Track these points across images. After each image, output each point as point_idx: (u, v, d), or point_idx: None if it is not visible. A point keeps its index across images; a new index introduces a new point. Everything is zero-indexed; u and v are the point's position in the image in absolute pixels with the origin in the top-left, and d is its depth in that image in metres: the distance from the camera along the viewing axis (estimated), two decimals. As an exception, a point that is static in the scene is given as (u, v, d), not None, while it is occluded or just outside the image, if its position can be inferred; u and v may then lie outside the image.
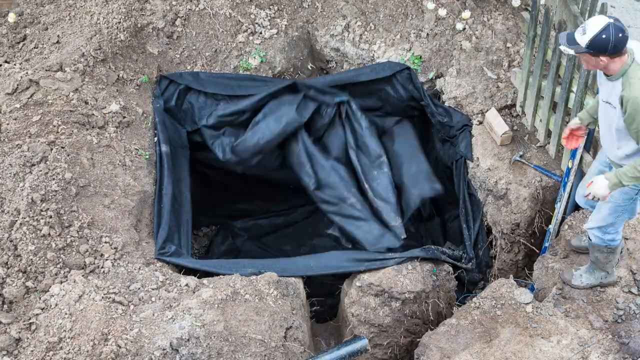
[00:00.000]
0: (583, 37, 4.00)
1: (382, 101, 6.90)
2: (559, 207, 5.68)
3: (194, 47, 6.51)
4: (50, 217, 4.94)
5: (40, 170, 5.13)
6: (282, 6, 6.80)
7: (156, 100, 6.24)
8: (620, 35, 3.94)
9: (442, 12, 6.63)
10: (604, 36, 3.94)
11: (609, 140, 4.32)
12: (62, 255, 4.88)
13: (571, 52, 4.08)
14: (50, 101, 5.66)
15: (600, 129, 4.39)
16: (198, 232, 7.47)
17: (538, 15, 5.64)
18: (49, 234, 4.91)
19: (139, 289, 4.80)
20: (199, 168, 6.79)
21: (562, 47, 4.13)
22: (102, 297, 4.63)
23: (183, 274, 5.15)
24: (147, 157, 5.83)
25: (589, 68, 4.21)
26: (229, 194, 7.34)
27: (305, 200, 7.51)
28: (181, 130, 6.36)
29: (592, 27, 3.97)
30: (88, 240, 4.99)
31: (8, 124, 5.53)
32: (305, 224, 7.70)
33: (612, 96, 4.12)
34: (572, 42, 4.05)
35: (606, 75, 4.13)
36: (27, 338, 4.51)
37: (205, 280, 5.05)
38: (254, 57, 6.58)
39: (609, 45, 3.94)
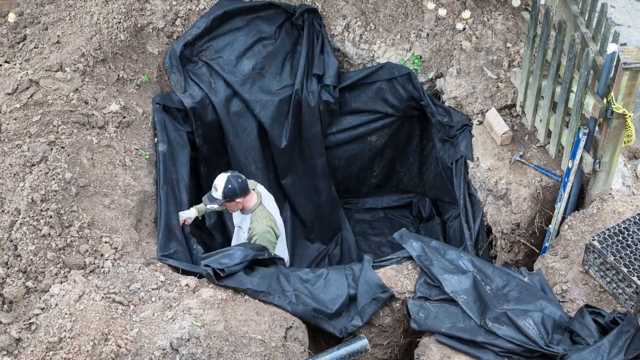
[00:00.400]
0: (217, 193, 5.39)
1: (382, 101, 6.92)
2: (559, 207, 5.68)
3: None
4: (51, 217, 4.94)
5: (40, 170, 5.13)
6: (282, 6, 6.81)
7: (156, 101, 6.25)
8: (240, 180, 5.37)
9: (442, 12, 6.63)
10: (229, 186, 5.34)
11: None
12: (62, 255, 4.88)
13: (215, 207, 5.48)
14: (50, 101, 5.66)
15: (233, 241, 5.93)
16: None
17: (538, 15, 5.64)
18: (49, 234, 4.91)
19: (139, 289, 4.80)
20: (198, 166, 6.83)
21: (208, 206, 5.52)
22: (102, 297, 4.63)
23: (183, 274, 5.15)
24: (147, 157, 5.83)
25: (232, 210, 5.57)
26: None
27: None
28: (181, 130, 6.36)
29: (219, 184, 5.38)
30: (88, 240, 4.99)
31: (8, 124, 5.53)
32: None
33: (243, 224, 5.59)
34: (212, 200, 5.44)
35: (241, 210, 5.57)
36: (27, 338, 4.51)
37: (205, 280, 5.04)
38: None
39: (237, 190, 5.35)
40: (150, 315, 4.58)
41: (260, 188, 5.73)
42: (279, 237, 5.61)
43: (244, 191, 5.40)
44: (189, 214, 5.75)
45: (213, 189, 5.42)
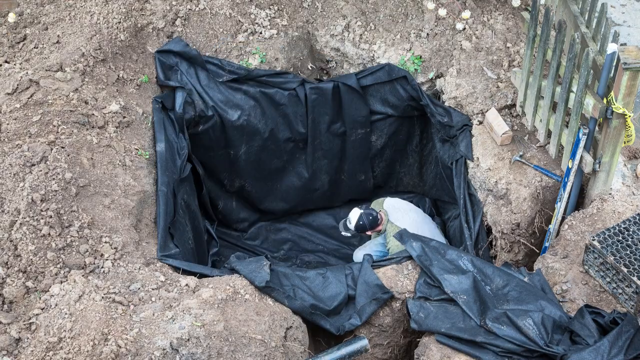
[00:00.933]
0: (350, 225, 6.34)
1: (381, 101, 6.92)
2: (559, 207, 5.68)
3: (193, 47, 6.50)
4: (50, 217, 4.94)
5: (40, 170, 5.13)
6: (282, 6, 6.80)
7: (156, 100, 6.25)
8: (371, 217, 6.29)
9: (442, 12, 6.63)
10: (361, 223, 6.29)
11: None
12: (62, 255, 4.88)
13: (349, 234, 6.50)
14: (50, 101, 5.66)
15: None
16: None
17: (538, 15, 5.64)
18: (49, 234, 4.91)
19: (139, 289, 4.80)
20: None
21: (342, 233, 6.51)
22: (102, 297, 4.63)
23: (183, 274, 5.15)
24: (147, 157, 5.83)
25: (366, 236, 6.60)
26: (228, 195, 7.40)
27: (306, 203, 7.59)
28: (180, 129, 6.36)
29: (352, 219, 6.34)
30: (88, 240, 4.99)
31: (8, 124, 5.53)
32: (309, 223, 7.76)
33: (379, 235, 6.50)
34: (346, 229, 6.42)
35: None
36: (27, 338, 4.51)
37: (205, 281, 5.05)
38: (254, 57, 6.58)
39: (367, 226, 6.30)
40: (150, 315, 4.58)
41: (388, 203, 6.48)
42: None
43: (374, 226, 6.33)
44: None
45: (347, 220, 6.40)
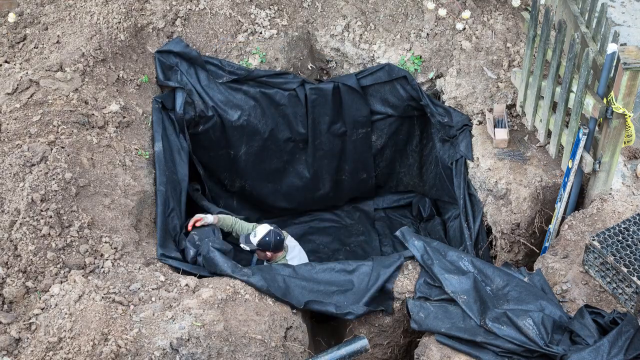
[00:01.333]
0: (254, 239, 5.76)
1: (382, 102, 6.92)
2: (559, 207, 5.68)
3: (194, 47, 6.50)
4: (50, 217, 4.94)
5: (40, 170, 5.13)
6: (282, 6, 6.80)
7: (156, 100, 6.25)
8: (278, 238, 5.77)
9: (442, 12, 6.63)
10: (267, 239, 5.73)
11: None
12: (62, 255, 4.88)
13: (247, 248, 5.78)
14: (50, 101, 5.66)
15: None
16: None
17: (538, 15, 5.64)
18: (49, 234, 4.91)
19: (139, 289, 4.80)
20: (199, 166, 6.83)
21: (242, 245, 5.80)
22: (102, 297, 4.63)
23: (183, 274, 5.15)
24: (147, 157, 5.83)
25: (259, 257, 5.93)
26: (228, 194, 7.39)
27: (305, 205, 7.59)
28: (180, 129, 6.37)
29: (259, 232, 5.76)
30: (88, 240, 4.99)
31: (8, 124, 5.53)
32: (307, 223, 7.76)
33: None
34: (247, 241, 5.79)
35: (266, 260, 5.92)
36: (27, 338, 4.51)
37: (205, 281, 5.05)
38: (254, 57, 6.58)
39: (271, 245, 5.75)
40: (150, 315, 4.58)
41: (289, 241, 6.08)
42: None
43: (277, 249, 5.83)
44: (206, 220, 5.80)
45: (252, 232, 5.83)
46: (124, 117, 5.87)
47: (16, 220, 4.95)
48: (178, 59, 6.39)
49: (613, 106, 5.00)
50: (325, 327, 6.19)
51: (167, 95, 6.37)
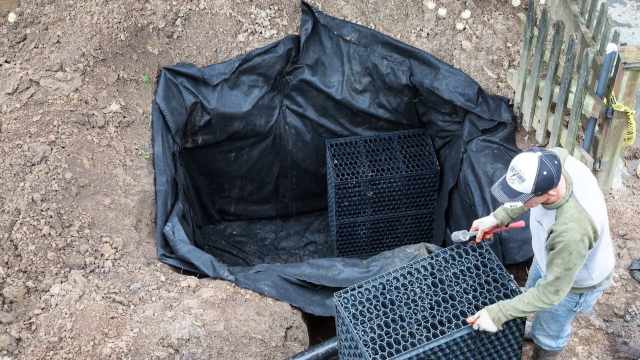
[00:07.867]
0: (523, 184, 3.52)
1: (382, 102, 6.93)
2: (559, 207, 5.66)
3: (194, 47, 6.51)
4: (51, 217, 4.95)
5: (41, 170, 5.13)
6: (282, 6, 6.80)
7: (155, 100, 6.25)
8: (557, 162, 3.53)
9: (442, 12, 6.63)
10: (545, 173, 3.49)
11: (539, 255, 4.00)
12: (62, 255, 4.89)
13: (520, 204, 3.59)
14: (51, 101, 5.67)
15: (533, 239, 4.02)
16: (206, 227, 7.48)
17: (535, 16, 5.64)
18: (49, 233, 4.91)
19: (139, 288, 4.80)
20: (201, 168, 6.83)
21: (506, 205, 3.63)
22: (103, 297, 4.63)
23: (183, 274, 5.16)
24: (147, 157, 5.83)
25: (530, 206, 3.71)
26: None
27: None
28: (179, 130, 6.37)
29: (527, 170, 3.51)
30: (88, 240, 5.00)
31: (8, 124, 5.53)
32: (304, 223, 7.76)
33: (544, 220, 3.76)
34: (513, 194, 3.56)
35: (543, 203, 3.69)
36: (28, 338, 4.51)
37: (205, 280, 5.05)
38: (254, 57, 6.58)
39: (554, 179, 3.51)
40: (151, 315, 4.58)
41: (570, 163, 3.77)
42: (598, 240, 3.76)
43: (560, 178, 3.58)
44: (484, 224, 4.23)
45: (514, 176, 3.55)
46: (124, 117, 5.87)
47: (16, 220, 4.95)
48: (183, 77, 6.36)
49: (614, 105, 5.00)
50: (325, 327, 6.20)
51: (167, 95, 6.36)
